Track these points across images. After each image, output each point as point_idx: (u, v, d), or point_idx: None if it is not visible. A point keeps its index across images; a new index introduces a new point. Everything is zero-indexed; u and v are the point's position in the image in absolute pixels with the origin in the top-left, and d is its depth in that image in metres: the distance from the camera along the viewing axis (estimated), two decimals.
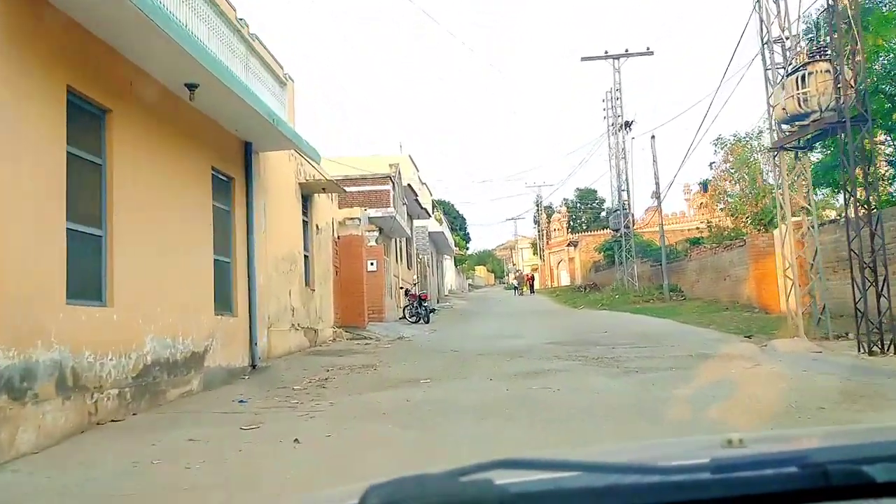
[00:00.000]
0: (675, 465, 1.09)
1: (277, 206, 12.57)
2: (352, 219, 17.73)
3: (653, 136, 27.01)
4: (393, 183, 22.68)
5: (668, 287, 26.51)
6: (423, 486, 0.77)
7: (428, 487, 0.76)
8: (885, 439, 1.20)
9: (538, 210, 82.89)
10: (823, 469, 0.85)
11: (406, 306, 22.96)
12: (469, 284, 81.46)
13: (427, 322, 21.88)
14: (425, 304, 21.79)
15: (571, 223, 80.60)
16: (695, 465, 1.00)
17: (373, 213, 21.48)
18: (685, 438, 3.24)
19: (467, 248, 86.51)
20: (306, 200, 15.05)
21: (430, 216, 36.64)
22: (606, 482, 0.84)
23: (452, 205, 79.56)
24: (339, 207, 18.42)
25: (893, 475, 0.86)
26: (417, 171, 30.43)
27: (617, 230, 31.87)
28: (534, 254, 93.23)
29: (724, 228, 25.64)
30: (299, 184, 14.06)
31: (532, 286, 52.86)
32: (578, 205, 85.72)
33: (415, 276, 24.26)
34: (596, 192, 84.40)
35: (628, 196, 31.14)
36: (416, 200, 30.12)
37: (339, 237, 17.41)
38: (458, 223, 78.03)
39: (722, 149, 25.33)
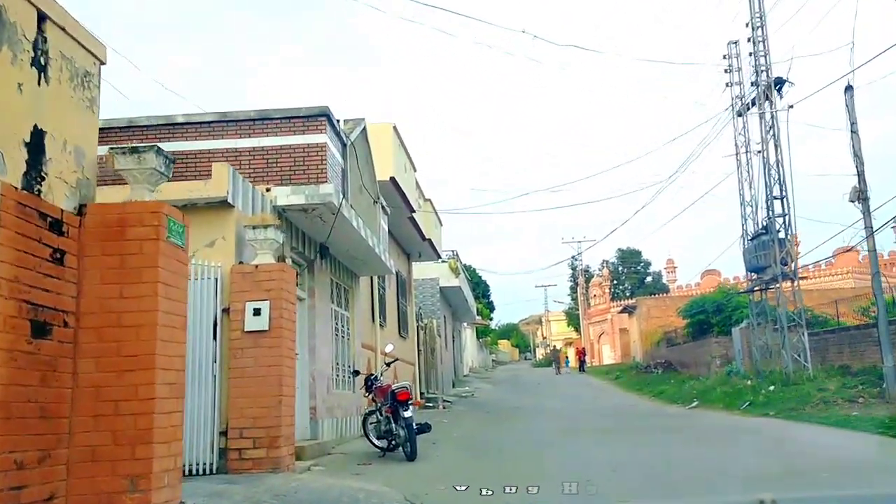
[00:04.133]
0: None
1: None
2: (132, 153, 5.27)
3: (849, 87, 14.32)
4: (339, 136, 10.35)
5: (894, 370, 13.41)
6: None
7: None
8: None
9: (574, 272, 69.78)
10: None
11: (369, 412, 10.31)
12: (493, 360, 68.67)
13: (411, 457, 9.19)
14: (407, 416, 9.13)
15: (613, 290, 68.49)
16: None
17: (283, 195, 9.09)
18: (716, 498, 2.99)
19: (491, 318, 73.56)
20: None
21: (439, 257, 24.21)
22: None
23: (474, 269, 66.95)
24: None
25: None
26: (414, 169, 17.97)
27: (759, 271, 18.06)
28: (568, 325, 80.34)
29: None
30: None
31: (583, 363, 40.16)
32: (620, 268, 73.54)
33: (390, 348, 11.50)
34: (640, 252, 72.60)
35: (784, 207, 17.39)
36: (412, 218, 17.68)
37: (82, 210, 5.02)
38: (480, 289, 65.06)
39: None
